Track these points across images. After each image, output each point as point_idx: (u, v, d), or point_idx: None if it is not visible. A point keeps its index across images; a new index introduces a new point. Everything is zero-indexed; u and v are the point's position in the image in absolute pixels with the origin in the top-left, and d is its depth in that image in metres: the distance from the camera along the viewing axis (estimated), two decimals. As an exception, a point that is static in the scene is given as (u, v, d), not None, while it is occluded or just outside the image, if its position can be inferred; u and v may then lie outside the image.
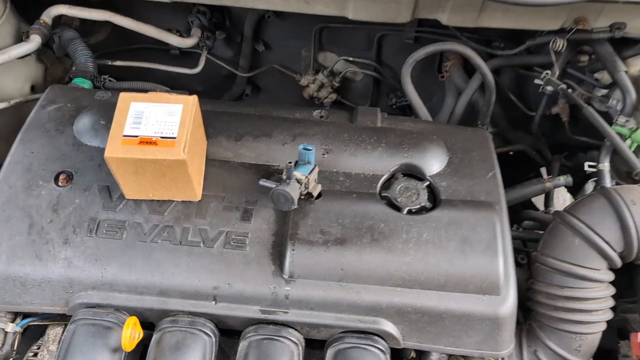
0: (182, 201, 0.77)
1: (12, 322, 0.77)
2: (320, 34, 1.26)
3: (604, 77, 1.03)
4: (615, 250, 0.74)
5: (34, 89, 1.08)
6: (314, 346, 0.76)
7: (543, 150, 1.20)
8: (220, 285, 0.73)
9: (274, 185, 0.74)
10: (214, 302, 0.73)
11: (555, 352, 0.77)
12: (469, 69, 1.22)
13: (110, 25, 1.11)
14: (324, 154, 0.83)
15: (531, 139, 1.28)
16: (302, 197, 0.75)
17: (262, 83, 1.40)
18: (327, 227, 0.75)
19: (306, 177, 0.75)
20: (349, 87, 1.37)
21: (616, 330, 0.83)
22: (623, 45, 0.95)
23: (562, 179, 0.96)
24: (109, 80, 1.04)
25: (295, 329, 0.73)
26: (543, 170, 0.99)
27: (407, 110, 1.38)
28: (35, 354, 0.79)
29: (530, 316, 0.80)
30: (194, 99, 0.73)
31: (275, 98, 1.42)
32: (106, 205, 0.77)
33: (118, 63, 1.20)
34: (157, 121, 0.70)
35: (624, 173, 0.97)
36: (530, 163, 1.34)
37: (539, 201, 1.15)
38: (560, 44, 0.94)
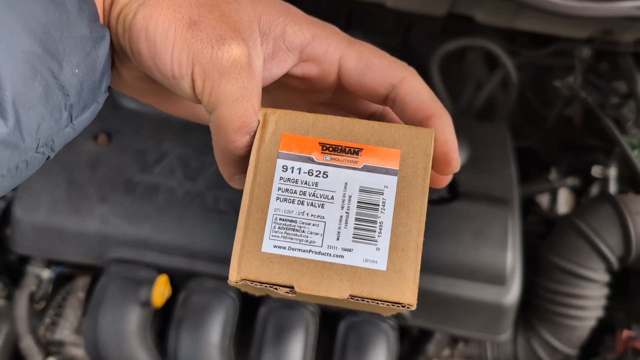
0: (216, 171, 0.80)
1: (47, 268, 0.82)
2: (350, 13, 1.27)
3: (620, 86, 1.07)
4: (614, 255, 0.80)
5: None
6: (328, 317, 0.82)
7: (552, 148, 1.25)
8: (247, 253, 0.78)
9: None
10: (240, 269, 0.78)
11: (547, 341, 0.84)
12: (491, 61, 1.25)
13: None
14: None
15: (541, 135, 1.33)
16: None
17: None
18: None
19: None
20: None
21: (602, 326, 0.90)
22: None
23: (570, 181, 1.01)
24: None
25: (314, 300, 0.79)
26: (554, 169, 1.04)
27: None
28: (64, 298, 0.84)
29: (528, 307, 0.87)
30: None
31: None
32: (142, 167, 0.81)
33: None
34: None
35: (626, 179, 1.02)
36: (535, 158, 1.39)
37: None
38: (585, 52, 0.97)
